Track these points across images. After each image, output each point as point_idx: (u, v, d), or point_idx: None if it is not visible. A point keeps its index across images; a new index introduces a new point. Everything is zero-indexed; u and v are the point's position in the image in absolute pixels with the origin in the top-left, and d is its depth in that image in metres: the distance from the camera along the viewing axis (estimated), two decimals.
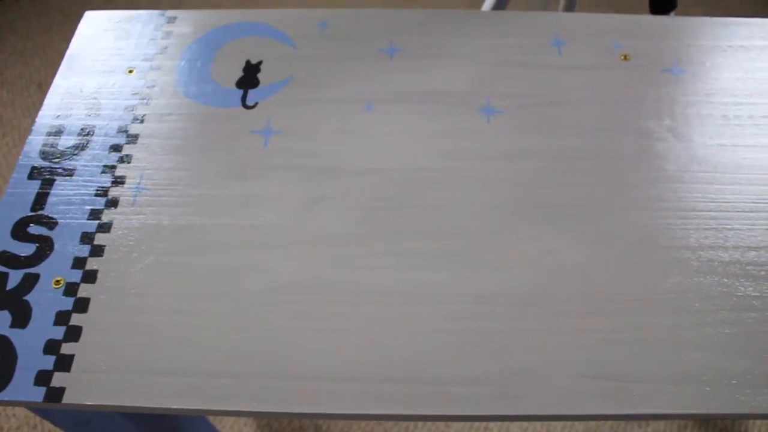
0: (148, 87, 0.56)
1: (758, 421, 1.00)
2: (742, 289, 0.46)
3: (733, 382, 0.42)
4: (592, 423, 0.98)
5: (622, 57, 0.58)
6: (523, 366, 0.43)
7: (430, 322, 0.44)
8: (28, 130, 1.30)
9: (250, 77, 0.56)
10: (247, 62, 0.58)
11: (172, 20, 0.61)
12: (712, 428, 0.99)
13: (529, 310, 0.45)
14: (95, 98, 0.56)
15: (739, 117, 0.55)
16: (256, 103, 0.55)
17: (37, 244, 0.48)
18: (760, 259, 0.47)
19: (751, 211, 0.50)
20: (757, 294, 0.46)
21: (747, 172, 0.52)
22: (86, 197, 0.50)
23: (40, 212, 0.49)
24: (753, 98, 0.56)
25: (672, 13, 0.76)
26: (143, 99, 0.56)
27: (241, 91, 0.56)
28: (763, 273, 0.47)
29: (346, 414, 0.40)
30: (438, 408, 0.41)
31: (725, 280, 0.46)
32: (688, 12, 1.48)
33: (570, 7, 0.78)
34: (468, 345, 0.44)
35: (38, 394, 0.42)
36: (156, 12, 0.61)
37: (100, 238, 0.48)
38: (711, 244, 0.48)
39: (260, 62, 0.58)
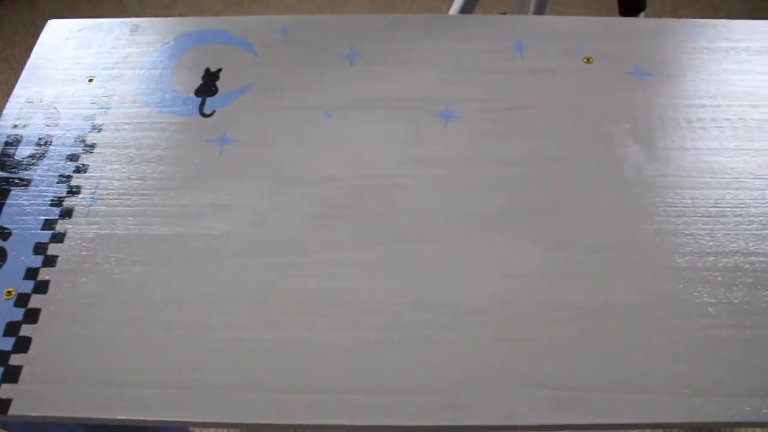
0: (107, 96, 0.56)
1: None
2: (698, 295, 0.46)
3: (686, 390, 0.42)
4: None
5: (585, 60, 0.58)
6: (476, 375, 0.42)
7: (382, 331, 0.44)
8: None
9: (208, 85, 0.56)
10: (207, 70, 0.57)
11: (134, 29, 0.61)
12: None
13: (483, 318, 0.44)
14: (54, 107, 0.56)
15: (702, 120, 0.54)
16: (214, 111, 0.55)
17: None
18: (717, 265, 0.47)
19: (710, 216, 0.49)
20: (713, 300, 0.45)
21: (708, 176, 0.51)
22: (41, 207, 0.50)
23: None
24: (717, 101, 0.55)
25: (641, 15, 0.75)
26: (102, 108, 0.56)
27: (199, 99, 0.56)
28: (720, 278, 0.46)
29: (287, 425, 0.40)
30: (386, 418, 0.41)
31: (680, 286, 0.46)
32: (676, 12, 1.46)
33: (540, 9, 0.77)
34: (421, 354, 0.43)
35: None
36: (119, 20, 0.61)
37: (53, 249, 0.48)
38: (668, 249, 0.47)
39: (220, 70, 0.57)
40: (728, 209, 0.49)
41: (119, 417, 0.42)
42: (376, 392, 0.41)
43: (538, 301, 0.45)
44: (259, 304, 0.45)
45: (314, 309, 0.45)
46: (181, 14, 1.52)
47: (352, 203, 0.49)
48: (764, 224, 0.49)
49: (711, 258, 0.47)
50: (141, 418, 0.42)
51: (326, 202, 0.49)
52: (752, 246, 0.48)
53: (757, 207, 0.49)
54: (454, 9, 0.79)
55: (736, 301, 0.45)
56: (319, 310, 0.45)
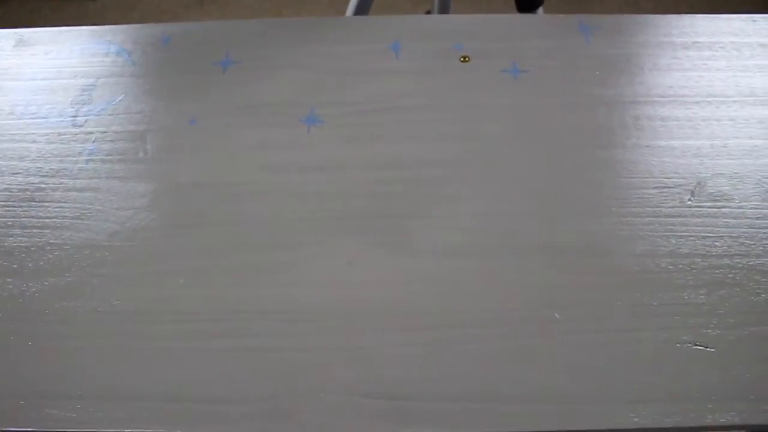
0: None
1: None
2: (547, 299, 0.44)
3: (529, 398, 0.41)
4: None
5: (462, 58, 0.57)
6: (305, 384, 0.42)
7: (215, 339, 0.44)
8: None
9: (84, 95, 0.56)
10: (84, 80, 0.57)
11: (19, 40, 0.61)
12: None
13: (320, 326, 0.44)
14: None
15: (577, 118, 0.53)
16: (86, 121, 0.55)
17: None
18: (574, 267, 0.46)
19: (577, 217, 0.48)
20: (559, 305, 0.44)
21: (575, 176, 0.50)
22: None
23: None
24: (593, 99, 0.54)
25: (540, 10, 0.73)
26: None
27: (74, 110, 0.56)
28: (577, 280, 0.45)
29: None
30: (199, 428, 0.40)
31: (531, 291, 0.45)
32: (639, 5, 1.43)
33: (444, 8, 0.76)
34: (252, 362, 0.43)
35: None
36: (4, 31, 0.62)
37: None
38: (526, 253, 0.46)
39: (97, 79, 0.57)
40: (597, 209, 0.48)
41: None
42: (197, 400, 0.41)
43: (381, 310, 0.44)
44: (106, 314, 0.45)
45: (154, 317, 0.45)
46: (141, 17, 1.53)
47: (204, 212, 0.49)
48: (634, 226, 0.47)
49: (565, 259, 0.46)
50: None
51: (180, 211, 0.49)
52: (620, 248, 0.46)
53: (626, 207, 0.48)
54: (350, 11, 0.78)
55: (591, 304, 0.44)
56: (158, 318, 0.44)
